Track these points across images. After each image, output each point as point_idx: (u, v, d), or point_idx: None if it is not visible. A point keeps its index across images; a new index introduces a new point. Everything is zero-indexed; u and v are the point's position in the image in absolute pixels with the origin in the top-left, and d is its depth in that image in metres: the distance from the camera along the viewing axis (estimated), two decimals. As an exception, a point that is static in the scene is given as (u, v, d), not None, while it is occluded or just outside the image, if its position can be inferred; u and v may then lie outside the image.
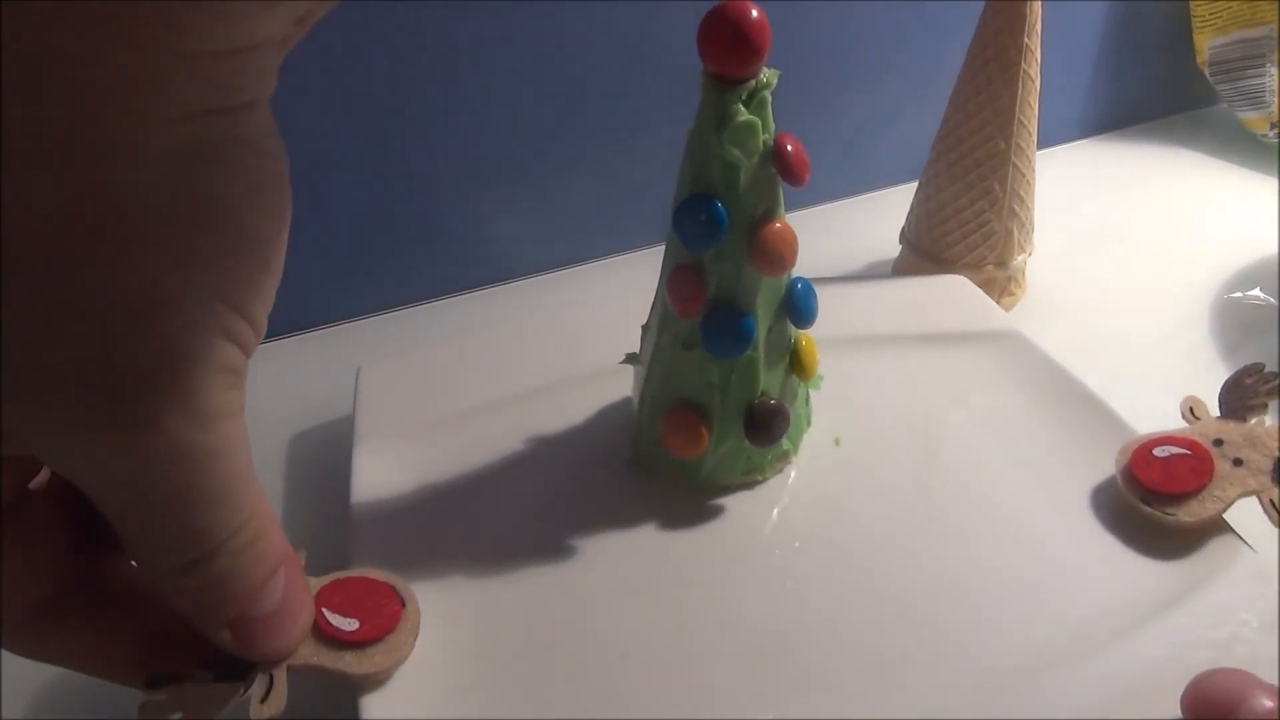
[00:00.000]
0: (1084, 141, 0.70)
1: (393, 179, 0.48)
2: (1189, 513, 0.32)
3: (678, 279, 0.32)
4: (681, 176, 0.31)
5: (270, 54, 0.19)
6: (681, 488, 0.35)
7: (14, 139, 0.16)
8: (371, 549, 0.32)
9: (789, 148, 0.30)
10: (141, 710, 0.25)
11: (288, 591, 0.25)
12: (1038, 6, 0.43)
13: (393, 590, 0.29)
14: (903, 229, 0.52)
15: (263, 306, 0.21)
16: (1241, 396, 0.35)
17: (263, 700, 0.26)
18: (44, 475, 0.24)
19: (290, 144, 0.45)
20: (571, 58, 0.49)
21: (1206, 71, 0.65)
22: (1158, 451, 0.33)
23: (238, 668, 0.26)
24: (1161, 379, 0.43)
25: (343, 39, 0.44)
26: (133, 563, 0.26)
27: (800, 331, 0.35)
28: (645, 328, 0.36)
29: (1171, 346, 0.47)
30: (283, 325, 0.50)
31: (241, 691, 0.26)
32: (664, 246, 0.33)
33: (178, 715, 0.25)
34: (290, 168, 0.46)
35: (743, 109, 0.29)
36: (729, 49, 0.28)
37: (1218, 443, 0.33)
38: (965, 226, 0.47)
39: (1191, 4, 0.64)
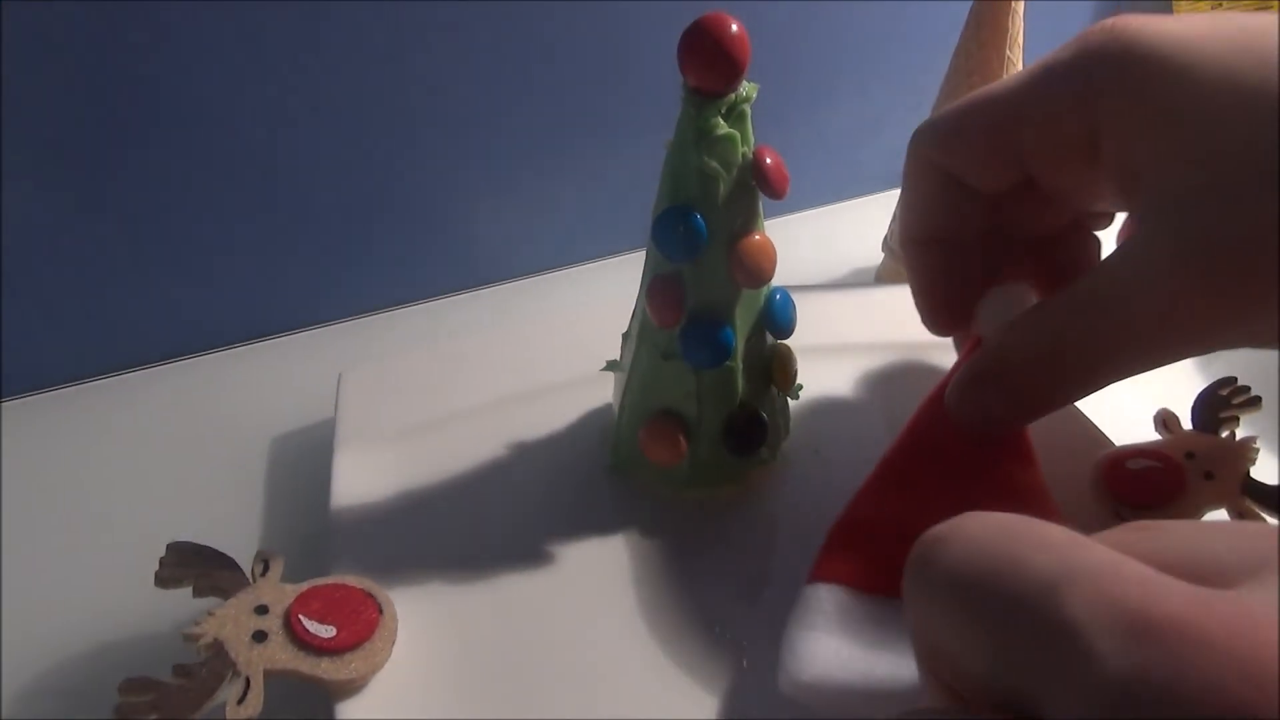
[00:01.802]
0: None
1: (376, 182, 0.49)
2: (1160, 525, 0.32)
3: (657, 289, 0.32)
4: (661, 188, 0.31)
5: None
6: (661, 496, 0.36)
7: None
8: (351, 555, 0.33)
9: (768, 161, 0.30)
10: (117, 712, 0.25)
11: None
12: (1020, 18, 0.43)
13: (370, 597, 0.30)
14: (885, 237, 0.52)
15: None
16: (1214, 409, 0.35)
17: (239, 702, 0.26)
18: None
19: (275, 146, 0.46)
20: (556, 63, 0.49)
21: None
22: (1130, 464, 0.34)
23: (215, 672, 0.27)
24: (1140, 388, 0.44)
25: (328, 41, 0.44)
26: None
27: (779, 342, 0.35)
28: (625, 335, 0.36)
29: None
30: (265, 327, 0.50)
31: (217, 695, 0.26)
32: (644, 254, 0.34)
33: (153, 717, 0.25)
34: (275, 170, 0.46)
35: (722, 122, 0.29)
36: (709, 63, 0.28)
37: (1189, 455, 0.34)
38: (947, 235, 0.47)
39: (1175, 10, 0.64)
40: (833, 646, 0.26)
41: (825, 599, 0.27)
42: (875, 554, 0.28)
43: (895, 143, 0.61)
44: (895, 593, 0.26)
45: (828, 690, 0.25)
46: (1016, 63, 0.44)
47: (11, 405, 0.45)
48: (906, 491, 0.31)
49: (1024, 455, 0.31)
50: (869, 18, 0.56)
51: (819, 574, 0.28)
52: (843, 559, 0.29)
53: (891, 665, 0.25)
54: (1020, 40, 0.43)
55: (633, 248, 0.56)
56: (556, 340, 0.43)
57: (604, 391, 0.39)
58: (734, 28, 0.28)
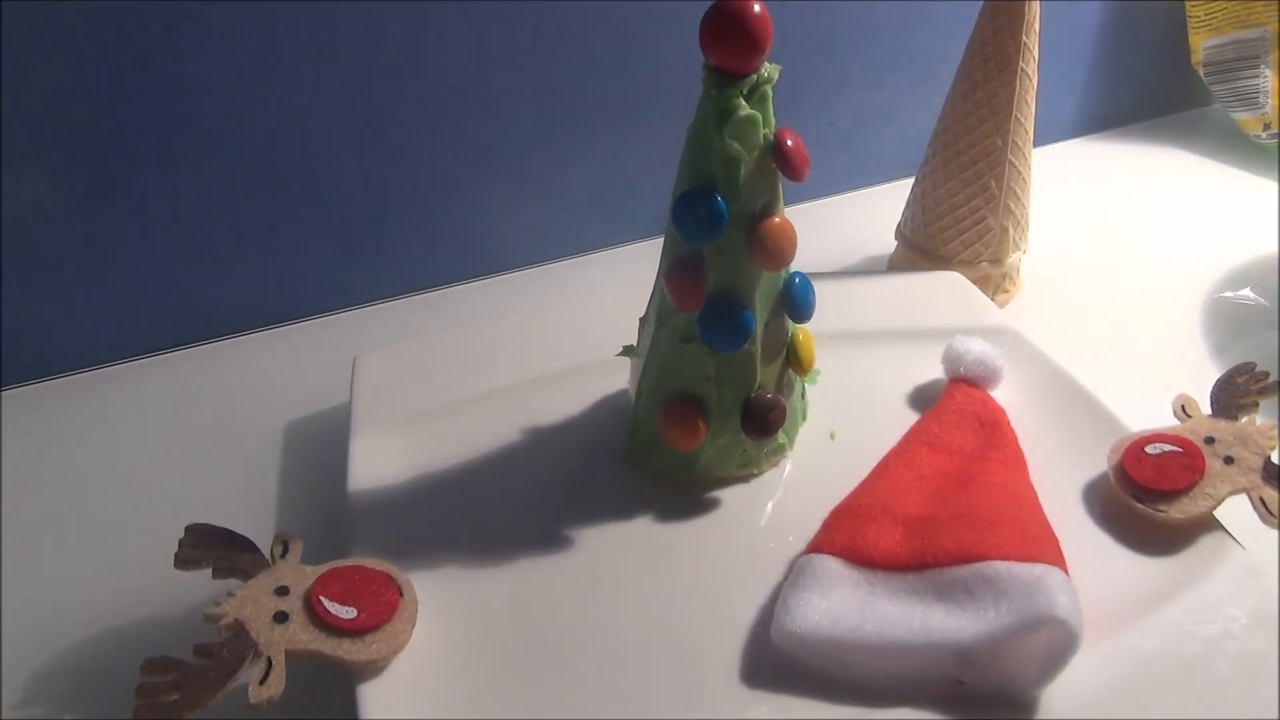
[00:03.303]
0: (1078, 140, 0.70)
1: (392, 169, 0.48)
2: (1180, 510, 0.32)
3: (676, 272, 0.32)
4: (681, 169, 0.31)
5: None
6: (677, 480, 0.36)
7: None
8: (369, 538, 0.32)
9: (789, 143, 0.30)
10: (140, 692, 0.25)
11: None
12: (1036, 5, 0.43)
13: (390, 579, 0.30)
14: (899, 225, 0.52)
15: None
16: (1233, 395, 0.35)
17: (261, 683, 0.26)
18: None
19: (292, 134, 0.46)
20: (570, 50, 0.49)
21: (1201, 72, 0.65)
22: (1150, 449, 0.34)
23: (236, 652, 0.26)
24: (1154, 376, 0.44)
25: (342, 31, 0.44)
26: None
27: (798, 326, 0.35)
28: (643, 320, 0.36)
29: (1164, 344, 0.47)
30: (280, 313, 0.50)
31: (238, 675, 0.26)
32: (662, 239, 0.33)
33: (175, 697, 0.25)
34: (291, 157, 0.46)
35: (744, 103, 0.29)
36: (731, 43, 0.28)
37: (1209, 440, 0.34)
38: (961, 223, 0.47)
39: (1187, 5, 0.64)
40: (822, 606, 0.29)
41: (818, 566, 0.30)
42: (867, 532, 0.31)
43: (909, 131, 0.61)
44: (881, 566, 0.30)
45: (815, 642, 0.28)
46: (1033, 49, 0.44)
47: (31, 390, 0.45)
48: (903, 483, 0.34)
49: (1012, 459, 0.35)
50: (883, 5, 0.56)
51: (813, 547, 0.31)
52: (837, 535, 0.31)
53: (879, 624, 0.28)
54: (1037, 27, 0.43)
55: (647, 235, 0.56)
56: (572, 326, 0.43)
57: (620, 377, 0.39)
58: (756, 7, 0.28)
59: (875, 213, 0.56)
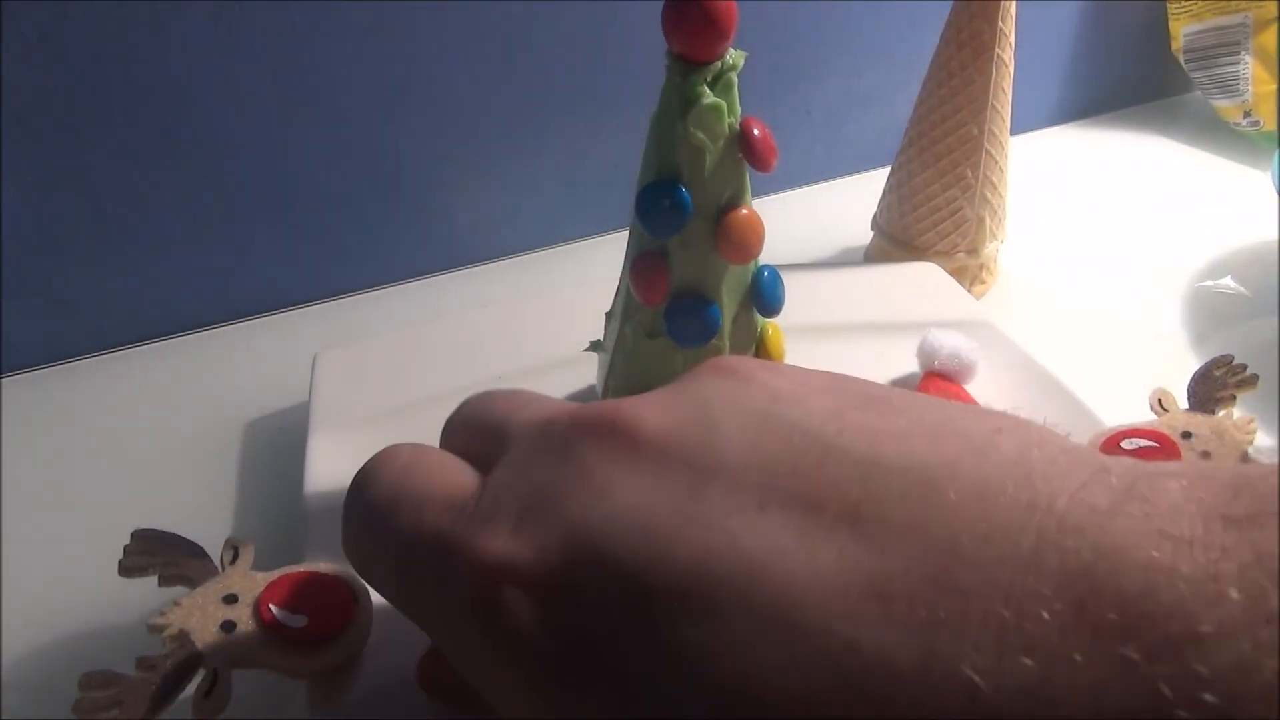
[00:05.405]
0: (1057, 128, 0.69)
1: (353, 161, 0.47)
2: (1156, 506, 0.31)
3: (641, 266, 0.31)
4: (645, 161, 0.30)
5: None
6: (645, 478, 0.35)
7: None
8: (326, 542, 0.31)
9: (756, 132, 0.29)
10: (76, 708, 0.24)
11: None
12: (1013, -11, 0.42)
13: (346, 585, 0.29)
14: (874, 215, 0.51)
15: None
16: (1210, 389, 0.35)
17: (206, 696, 0.25)
18: None
19: (252, 124, 0.45)
20: (537, 38, 0.48)
21: (1181, 59, 0.65)
22: (1125, 444, 0.33)
23: (180, 665, 0.25)
24: (1132, 368, 0.43)
25: (303, 21, 0.43)
26: None
27: (768, 320, 0.34)
28: (609, 314, 0.35)
29: (1142, 336, 0.47)
30: (240, 308, 0.49)
31: (182, 689, 0.25)
32: (628, 231, 0.33)
33: (115, 713, 0.24)
34: (249, 149, 0.45)
35: (708, 91, 0.28)
36: (694, 29, 0.27)
37: (1186, 435, 0.33)
38: (937, 213, 0.46)
39: (1169, 15, 0.64)
40: None
41: None
42: None
43: (885, 120, 0.60)
44: None
45: None
46: (1010, 36, 0.43)
47: (-24, 390, 0.44)
48: None
49: None
50: (858, -9, 0.55)
51: None
52: None
53: None
54: (1014, 12, 0.42)
55: (615, 227, 0.55)
56: (538, 321, 0.42)
57: (587, 373, 0.38)
58: (720, -9, 0.27)
59: (852, 203, 0.55)
